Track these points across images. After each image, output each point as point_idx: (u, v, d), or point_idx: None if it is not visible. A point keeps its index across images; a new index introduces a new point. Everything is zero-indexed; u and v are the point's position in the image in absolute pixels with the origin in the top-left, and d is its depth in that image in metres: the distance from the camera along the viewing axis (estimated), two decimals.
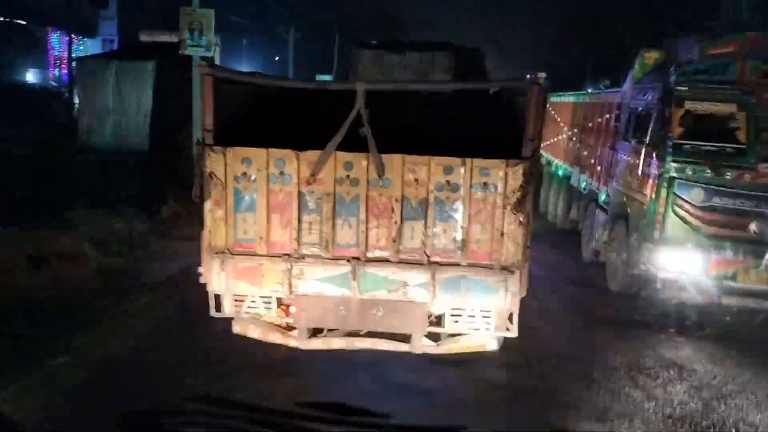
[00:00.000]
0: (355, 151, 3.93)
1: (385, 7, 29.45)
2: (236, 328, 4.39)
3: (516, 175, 3.90)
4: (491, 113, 4.79)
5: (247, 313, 4.28)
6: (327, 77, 23.92)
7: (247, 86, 4.52)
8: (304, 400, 4.24)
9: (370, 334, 4.30)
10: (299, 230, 4.07)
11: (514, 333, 4.17)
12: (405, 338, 4.25)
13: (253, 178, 4.03)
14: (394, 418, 4.04)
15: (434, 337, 4.30)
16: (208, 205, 4.08)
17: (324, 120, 3.92)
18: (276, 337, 4.35)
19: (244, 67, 24.25)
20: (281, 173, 4.01)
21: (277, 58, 31.34)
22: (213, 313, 4.27)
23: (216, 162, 4.00)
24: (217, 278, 4.14)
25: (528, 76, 4.04)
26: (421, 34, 23.80)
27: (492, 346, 4.29)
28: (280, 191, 4.04)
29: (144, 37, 14.07)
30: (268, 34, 28.93)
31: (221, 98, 4.06)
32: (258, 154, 4.00)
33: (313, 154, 3.95)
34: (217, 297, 4.23)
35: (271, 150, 3.98)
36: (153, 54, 12.28)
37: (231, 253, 4.12)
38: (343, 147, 3.89)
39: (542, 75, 3.94)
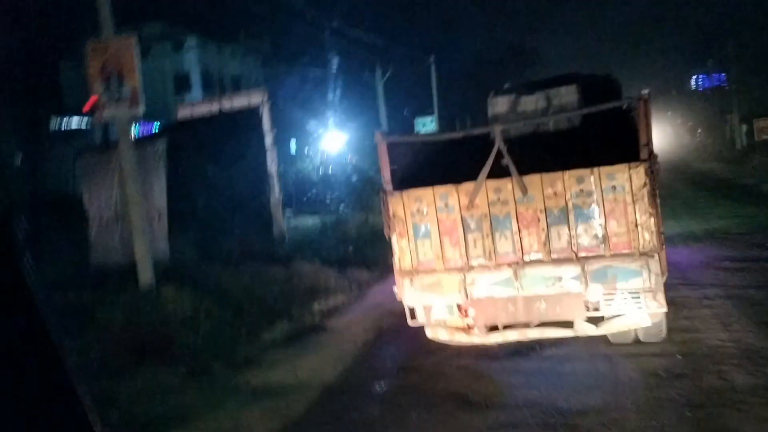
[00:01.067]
0: (501, 177, 5.04)
1: (509, 40, 30.57)
2: (429, 333, 5.51)
3: (639, 174, 4.79)
4: (614, 131, 5.39)
5: (435, 320, 5.39)
6: (428, 118, 23.53)
7: (408, 144, 6.00)
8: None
9: (539, 325, 5.23)
10: (466, 247, 5.20)
11: (663, 308, 4.92)
12: (568, 325, 5.12)
13: (425, 211, 5.28)
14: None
15: (594, 322, 5.11)
16: (394, 238, 5.38)
17: (472, 159, 5.13)
18: (461, 337, 5.40)
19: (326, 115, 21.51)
20: (446, 204, 5.23)
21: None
22: (410, 322, 5.44)
23: (396, 203, 5.33)
24: (409, 293, 5.35)
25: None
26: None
27: (646, 322, 5.05)
28: (447, 218, 5.23)
29: (183, 112, 11.48)
30: (354, 76, 24.76)
31: (392, 156, 5.46)
32: (426, 192, 5.27)
33: (468, 186, 5.13)
34: (411, 310, 5.41)
35: (436, 187, 5.23)
36: (170, 130, 10.28)
37: (417, 272, 5.31)
38: (490, 176, 5.05)
39: (646, 92, 4.91)
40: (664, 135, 46.76)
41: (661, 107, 52.51)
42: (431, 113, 24.11)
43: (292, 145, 23.15)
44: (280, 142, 13.53)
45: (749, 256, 8.56)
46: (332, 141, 20.57)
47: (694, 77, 45.09)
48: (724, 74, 36.91)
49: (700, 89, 42.88)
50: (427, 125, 22.09)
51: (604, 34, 65.55)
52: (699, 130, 41.27)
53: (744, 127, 30.97)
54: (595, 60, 42.43)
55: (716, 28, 33.18)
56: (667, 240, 5.11)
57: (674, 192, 15.81)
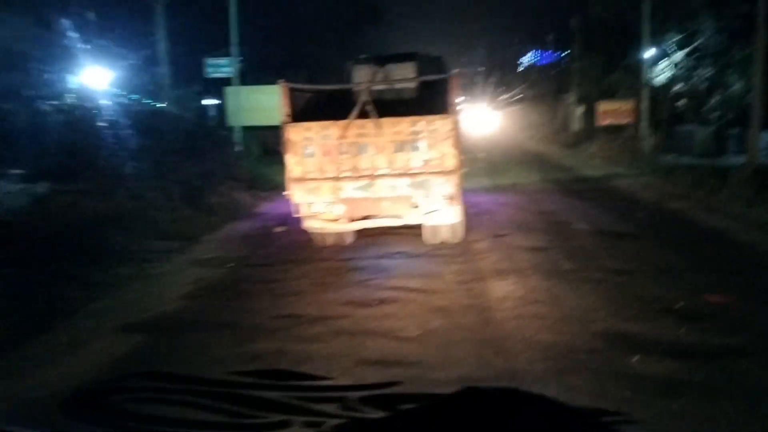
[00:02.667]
0: (365, 118, 7.71)
1: None
2: (306, 224, 8.19)
3: (446, 123, 7.72)
4: (438, 95, 7.99)
5: (314, 213, 8.03)
6: (224, 61, 18.90)
7: (303, 91, 8.76)
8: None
9: (383, 216, 8.19)
10: (339, 163, 7.79)
11: (460, 210, 8.03)
12: (401, 216, 8.12)
13: (312, 138, 7.78)
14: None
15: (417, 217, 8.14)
16: (288, 156, 7.87)
17: (345, 105, 7.82)
18: (330, 225, 8.14)
19: None
20: (326, 134, 7.75)
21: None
22: (294, 213, 8.17)
23: (292, 131, 7.83)
24: (296, 194, 7.90)
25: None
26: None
27: (451, 219, 8.04)
28: (327, 143, 7.76)
29: None
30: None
31: (293, 98, 8.00)
32: (313, 125, 7.78)
33: (343, 122, 7.72)
34: (297, 206, 8.01)
35: (320, 122, 7.76)
36: None
37: (303, 179, 7.85)
38: (357, 118, 7.73)
39: (456, 71, 8.30)
40: (499, 112, 49.62)
41: (498, 83, 56.47)
42: (229, 55, 19.22)
43: None
44: None
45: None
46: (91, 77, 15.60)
47: (530, 53, 45.19)
48: (560, 52, 36.28)
49: (539, 65, 42.64)
50: (221, 69, 19.07)
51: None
52: (532, 112, 38.92)
53: (580, 109, 29.20)
54: (437, 34, 44.00)
55: (564, 3, 29.98)
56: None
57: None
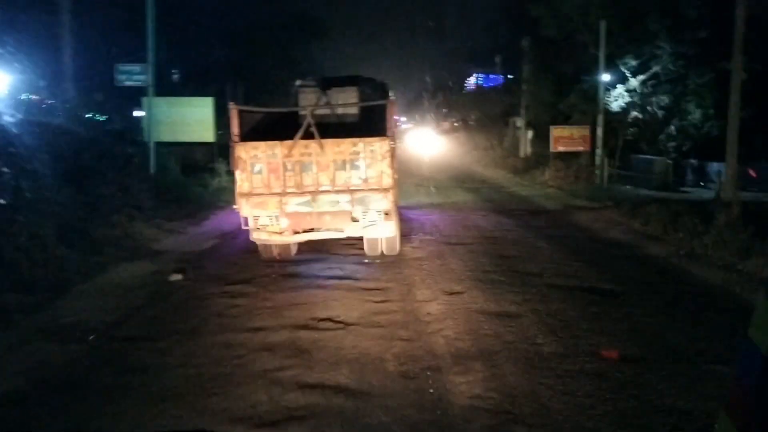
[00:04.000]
0: (309, 139, 8.08)
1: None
2: (253, 236, 8.50)
3: (384, 144, 8.16)
4: (377, 119, 8.55)
5: (260, 225, 8.38)
6: (137, 68, 16.04)
7: (254, 113, 9.15)
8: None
9: (325, 230, 8.54)
10: (284, 180, 8.15)
11: (395, 225, 8.64)
12: (341, 229, 8.51)
13: (259, 156, 8.14)
14: None
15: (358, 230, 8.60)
16: (237, 173, 8.18)
17: (291, 126, 8.28)
18: (275, 237, 8.48)
19: None
20: (273, 153, 8.13)
21: None
22: (243, 226, 8.49)
23: (241, 150, 8.15)
24: (244, 208, 8.24)
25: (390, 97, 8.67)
26: None
27: (388, 233, 8.60)
28: (273, 161, 8.13)
29: None
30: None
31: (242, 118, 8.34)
32: (261, 144, 8.15)
33: (288, 142, 8.09)
34: (245, 219, 8.35)
35: (267, 142, 8.13)
36: None
37: (251, 194, 8.17)
38: (302, 138, 8.10)
39: (392, 96, 8.68)
40: (445, 135, 48.89)
41: (444, 106, 55.87)
42: (144, 62, 16.55)
43: None
44: None
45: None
46: None
47: (476, 75, 44.12)
48: (502, 75, 35.86)
49: (485, 86, 41.50)
50: (133, 76, 16.38)
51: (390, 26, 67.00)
52: (476, 135, 37.46)
53: (530, 134, 27.92)
54: (381, 53, 43.33)
55: (512, 25, 29.30)
56: None
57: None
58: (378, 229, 8.43)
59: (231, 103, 8.52)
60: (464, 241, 10.29)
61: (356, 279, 7.87)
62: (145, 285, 7.69)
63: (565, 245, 10.02)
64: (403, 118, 72.49)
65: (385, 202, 8.19)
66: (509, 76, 34.26)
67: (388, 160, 8.11)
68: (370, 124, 8.47)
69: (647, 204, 13.07)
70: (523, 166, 25.34)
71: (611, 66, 19.95)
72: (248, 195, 8.14)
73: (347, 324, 6.01)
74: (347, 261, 8.87)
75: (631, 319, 6.15)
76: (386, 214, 8.30)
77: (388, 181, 8.14)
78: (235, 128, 8.20)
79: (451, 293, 7.09)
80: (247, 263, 8.83)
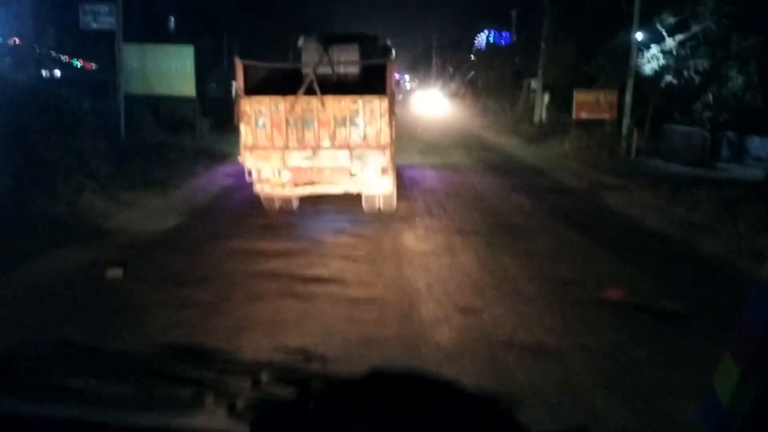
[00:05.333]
0: (311, 95, 8.33)
1: None
2: (257, 188, 8.79)
3: (383, 102, 8.40)
4: (377, 77, 8.70)
5: (263, 178, 8.69)
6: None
7: (259, 68, 9.12)
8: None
9: (324, 183, 8.82)
10: (287, 135, 8.42)
11: (392, 182, 8.86)
12: (339, 184, 8.80)
13: (263, 111, 8.35)
14: None
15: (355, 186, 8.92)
16: (242, 126, 8.40)
17: (295, 82, 8.49)
18: (278, 190, 8.83)
19: None
20: (276, 108, 8.34)
21: None
22: (247, 179, 8.73)
23: (246, 104, 8.34)
24: (248, 160, 8.53)
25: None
26: None
27: (385, 190, 8.89)
28: (276, 116, 8.36)
29: None
30: None
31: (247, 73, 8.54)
32: (265, 98, 8.34)
33: (291, 98, 8.32)
34: (249, 171, 8.62)
35: (271, 96, 8.33)
36: None
37: (255, 148, 8.44)
38: (305, 94, 8.34)
39: (392, 55, 8.87)
40: (452, 97, 46.44)
41: (451, 65, 53.43)
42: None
43: None
44: None
45: None
46: None
47: (488, 32, 40.32)
48: (522, 32, 32.03)
49: (497, 44, 38.07)
50: (100, 17, 14.29)
51: None
52: (487, 99, 34.54)
53: (546, 98, 24.95)
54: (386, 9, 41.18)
55: None
56: None
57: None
58: (375, 184, 8.73)
59: (236, 57, 8.61)
60: (479, 230, 8.59)
61: (343, 282, 6.23)
62: (70, 284, 6.01)
63: (602, 238, 8.31)
64: (407, 78, 70.01)
65: (383, 159, 8.50)
66: (524, 34, 31.00)
67: (386, 118, 8.41)
68: (370, 82, 8.75)
69: (691, 185, 11.35)
70: (538, 133, 22.71)
71: (645, 24, 17.93)
72: (252, 148, 8.46)
73: (325, 360, 4.38)
74: (335, 256, 7.22)
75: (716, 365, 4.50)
76: (383, 170, 8.59)
77: (386, 138, 8.47)
78: (240, 82, 8.49)
79: (467, 310, 5.44)
80: (209, 253, 7.18)
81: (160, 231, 8.31)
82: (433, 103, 38.80)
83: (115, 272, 6.24)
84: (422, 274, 6.48)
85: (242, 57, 8.57)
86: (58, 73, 23.86)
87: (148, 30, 20.24)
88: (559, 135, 20.49)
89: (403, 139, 15.40)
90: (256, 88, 8.55)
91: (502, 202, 10.73)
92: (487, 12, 39.04)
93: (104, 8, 14.21)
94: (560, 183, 13.55)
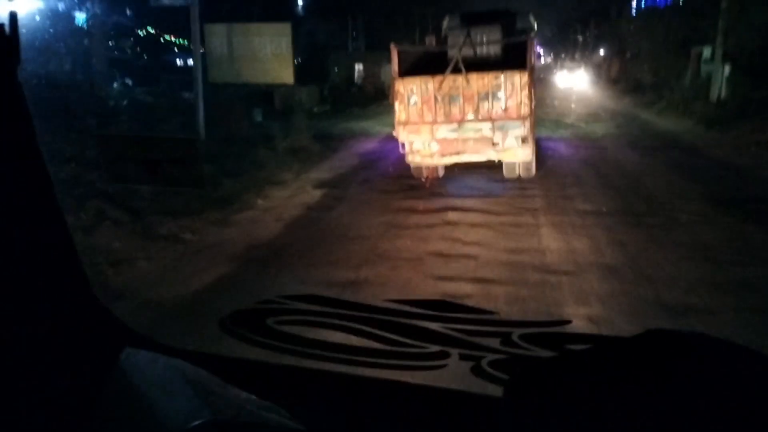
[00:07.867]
0: (457, 73, 9.65)
1: None
2: (408, 158, 10.15)
3: (523, 76, 9.49)
4: (517, 53, 9.79)
5: (415, 150, 10.03)
6: None
7: (410, 52, 10.84)
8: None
9: (469, 152, 10.01)
10: (435, 111, 9.72)
11: (531, 150, 9.85)
12: (483, 153, 9.91)
13: (414, 90, 9.74)
14: None
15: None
16: (396, 104, 9.83)
17: (442, 62, 9.90)
18: (427, 160, 10.09)
19: None
20: (426, 87, 9.69)
21: None
22: (401, 150, 10.14)
23: (399, 84, 9.78)
24: (402, 134, 9.95)
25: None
26: None
27: (525, 157, 9.87)
28: (426, 94, 9.70)
29: None
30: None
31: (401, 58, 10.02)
32: (416, 79, 9.73)
33: (439, 77, 9.64)
34: (402, 144, 10.06)
35: (422, 77, 9.70)
36: None
37: (407, 123, 9.84)
38: (451, 73, 9.67)
39: (533, 33, 10.80)
40: (597, 71, 41.51)
41: (595, 35, 48.32)
42: None
43: None
44: None
45: None
46: None
47: None
48: None
49: (659, 5, 32.69)
50: None
51: None
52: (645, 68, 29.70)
53: (726, 69, 20.07)
54: None
55: None
56: None
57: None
58: (515, 153, 9.68)
59: (392, 44, 9.97)
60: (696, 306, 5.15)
61: None
62: None
63: None
64: (543, 52, 65.58)
65: (522, 129, 9.47)
66: None
67: (526, 91, 9.37)
68: (511, 57, 9.76)
69: None
70: (719, 114, 17.72)
71: None
72: (405, 123, 9.72)
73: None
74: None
75: None
76: (523, 140, 9.56)
77: (525, 110, 9.43)
78: (395, 66, 9.75)
79: None
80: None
81: (185, 296, 5.61)
82: (576, 78, 35.07)
83: None
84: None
85: (396, 43, 10.04)
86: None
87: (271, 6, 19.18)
88: (749, 117, 15.89)
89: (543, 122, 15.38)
90: (408, 70, 9.86)
91: (701, 236, 7.08)
92: None
93: None
94: None
